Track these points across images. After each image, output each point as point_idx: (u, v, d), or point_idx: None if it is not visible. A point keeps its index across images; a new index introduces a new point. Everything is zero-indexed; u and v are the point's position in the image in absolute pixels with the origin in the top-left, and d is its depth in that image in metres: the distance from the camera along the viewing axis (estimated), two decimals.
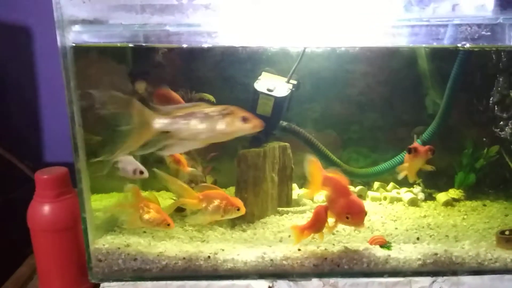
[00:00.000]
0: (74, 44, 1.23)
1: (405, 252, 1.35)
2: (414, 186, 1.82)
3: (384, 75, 1.73)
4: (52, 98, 1.90)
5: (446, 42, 1.26)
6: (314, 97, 1.74)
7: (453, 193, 1.78)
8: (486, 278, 1.33)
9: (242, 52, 1.59)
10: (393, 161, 1.76)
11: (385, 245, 1.38)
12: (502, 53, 1.60)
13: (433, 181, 1.79)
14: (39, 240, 1.34)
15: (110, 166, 1.43)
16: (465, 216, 1.65)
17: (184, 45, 1.31)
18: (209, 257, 1.33)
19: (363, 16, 1.26)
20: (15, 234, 1.44)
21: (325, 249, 1.35)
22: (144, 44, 1.27)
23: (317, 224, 1.33)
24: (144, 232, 1.47)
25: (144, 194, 1.43)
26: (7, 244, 1.56)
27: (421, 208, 1.73)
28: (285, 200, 1.70)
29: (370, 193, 1.82)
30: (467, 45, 1.24)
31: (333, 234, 1.49)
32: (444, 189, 1.80)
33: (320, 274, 1.33)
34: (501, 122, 1.68)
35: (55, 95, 1.84)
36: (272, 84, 1.58)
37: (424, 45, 1.53)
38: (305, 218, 1.58)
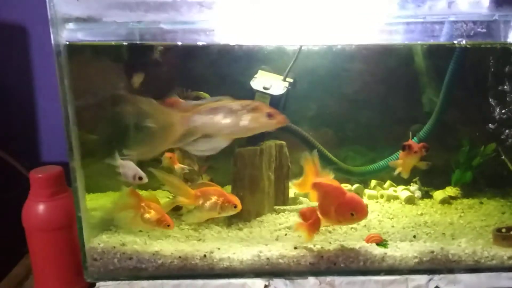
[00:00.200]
0: (68, 42, 1.22)
1: (402, 250, 1.35)
2: (411, 184, 1.82)
3: (380, 73, 1.72)
4: (48, 96, 1.90)
5: (442, 39, 1.26)
6: (311, 95, 1.74)
7: (450, 191, 1.79)
8: (482, 275, 1.33)
9: (238, 50, 1.59)
10: (390, 159, 1.76)
11: (381, 243, 1.38)
12: (498, 50, 1.60)
13: (430, 179, 1.79)
14: (34, 239, 1.34)
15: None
16: (462, 214, 1.65)
17: (179, 43, 1.31)
18: (205, 256, 1.33)
19: (359, 14, 1.26)
20: (11, 234, 1.44)
21: (322, 247, 1.35)
22: (138, 42, 1.27)
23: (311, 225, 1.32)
24: (140, 231, 1.46)
25: (144, 194, 1.42)
26: (2, 244, 1.55)
27: (418, 206, 1.72)
28: (282, 199, 1.69)
29: (367, 191, 1.81)
30: (463, 42, 1.24)
31: (329, 232, 1.49)
32: (441, 187, 1.80)
33: (317, 273, 1.32)
34: (498, 120, 1.67)
35: (51, 94, 1.84)
36: (268, 82, 1.58)
37: (419, 42, 1.52)
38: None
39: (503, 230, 1.41)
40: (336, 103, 1.77)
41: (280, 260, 1.33)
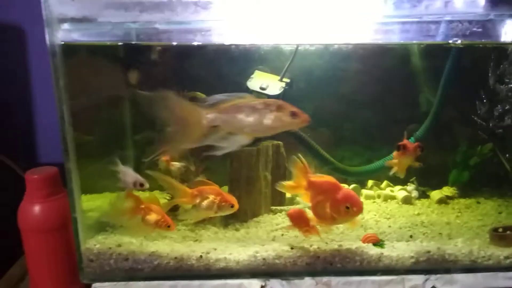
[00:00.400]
0: (63, 43, 1.22)
1: (398, 250, 1.35)
2: (408, 184, 1.82)
3: (377, 73, 1.72)
4: (45, 97, 1.89)
5: (437, 39, 1.25)
6: (308, 95, 1.74)
7: (447, 190, 1.78)
8: (479, 275, 1.33)
9: (234, 50, 1.59)
10: (387, 159, 1.75)
11: (378, 243, 1.38)
12: (494, 49, 1.60)
13: (427, 179, 1.79)
14: (29, 240, 1.33)
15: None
16: (459, 214, 1.65)
17: (174, 43, 1.30)
18: (201, 256, 1.32)
19: (356, 13, 1.26)
20: (6, 235, 1.43)
21: (318, 247, 1.35)
22: (133, 42, 1.26)
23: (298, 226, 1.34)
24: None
25: (144, 195, 1.42)
26: None
27: (414, 206, 1.73)
28: (279, 199, 1.69)
29: (364, 191, 1.81)
30: (459, 42, 1.24)
31: (326, 232, 1.48)
32: (438, 186, 1.80)
33: (313, 273, 1.32)
34: (495, 119, 1.67)
35: (48, 94, 1.83)
36: (265, 83, 1.57)
37: (415, 42, 1.52)
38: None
39: (500, 229, 1.41)
40: (333, 103, 1.77)
41: (277, 261, 1.32)
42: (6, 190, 1.66)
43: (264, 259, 1.32)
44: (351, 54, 1.67)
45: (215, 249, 1.35)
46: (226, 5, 1.23)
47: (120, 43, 1.28)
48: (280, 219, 1.60)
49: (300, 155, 1.32)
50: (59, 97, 1.24)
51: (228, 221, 1.55)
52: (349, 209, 1.24)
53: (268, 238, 1.46)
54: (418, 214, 1.65)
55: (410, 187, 1.81)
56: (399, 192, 1.78)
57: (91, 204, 1.41)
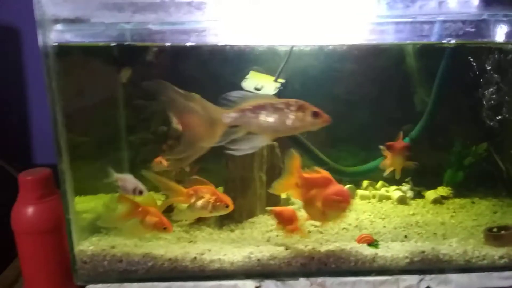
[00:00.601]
0: (56, 44, 1.21)
1: (393, 250, 1.35)
2: (403, 184, 1.82)
3: (372, 73, 1.72)
4: (39, 98, 1.88)
5: (431, 39, 1.25)
6: (303, 95, 1.73)
7: (442, 190, 1.78)
8: (473, 275, 1.33)
9: (229, 51, 1.58)
10: (382, 159, 1.75)
11: (372, 243, 1.38)
12: (488, 49, 1.60)
13: (422, 179, 1.79)
14: (23, 242, 1.33)
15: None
16: (454, 214, 1.65)
17: (168, 44, 1.30)
18: (195, 257, 1.32)
19: (350, 14, 1.26)
20: (0, 237, 1.42)
21: (313, 248, 1.34)
22: (126, 43, 1.26)
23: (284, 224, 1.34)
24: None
25: (142, 198, 1.41)
26: None
27: (409, 206, 1.73)
28: (274, 200, 1.68)
29: (359, 191, 1.81)
30: (452, 42, 1.24)
31: (321, 233, 1.48)
32: (433, 186, 1.80)
33: (308, 274, 1.32)
34: (489, 119, 1.67)
35: (42, 95, 1.82)
36: (260, 83, 1.57)
37: (409, 42, 1.52)
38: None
39: (494, 229, 1.41)
40: (328, 104, 1.76)
41: (271, 261, 1.32)
42: (0, 192, 1.65)
43: (258, 260, 1.32)
44: (345, 54, 1.66)
45: (210, 250, 1.35)
46: (220, 6, 1.22)
47: (113, 44, 1.27)
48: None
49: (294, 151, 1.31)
50: (52, 98, 1.23)
51: (223, 222, 1.54)
52: (338, 202, 1.23)
53: (263, 239, 1.46)
54: (413, 214, 1.65)
55: (405, 187, 1.81)
56: (394, 192, 1.78)
57: (84, 206, 1.41)
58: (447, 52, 1.62)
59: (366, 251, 1.34)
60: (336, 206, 1.24)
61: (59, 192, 1.30)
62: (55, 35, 1.21)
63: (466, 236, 1.44)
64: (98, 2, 1.20)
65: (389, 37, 1.31)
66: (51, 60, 1.21)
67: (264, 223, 1.57)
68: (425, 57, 1.69)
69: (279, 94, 1.57)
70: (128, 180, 1.41)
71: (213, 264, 1.32)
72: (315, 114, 1.22)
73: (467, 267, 1.33)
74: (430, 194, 1.77)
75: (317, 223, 1.50)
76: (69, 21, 1.21)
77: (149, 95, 1.53)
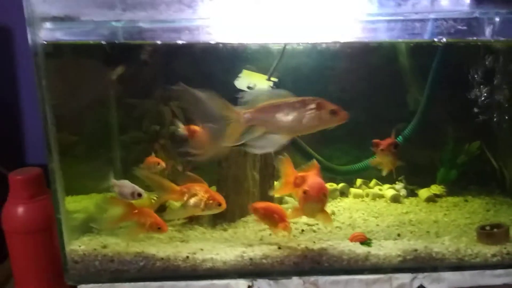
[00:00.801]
0: (45, 42, 1.20)
1: (386, 248, 1.34)
2: (397, 182, 1.82)
3: (364, 71, 1.72)
4: (30, 97, 1.87)
5: (423, 37, 1.25)
6: (296, 94, 1.73)
7: (435, 189, 1.79)
8: (466, 273, 1.32)
9: (222, 49, 1.57)
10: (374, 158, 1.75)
11: (365, 242, 1.37)
12: (481, 47, 1.60)
13: (415, 177, 1.79)
14: (13, 242, 1.32)
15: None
16: (447, 212, 1.65)
17: (159, 42, 1.29)
18: (187, 257, 1.31)
19: (343, 12, 1.25)
20: None
21: (305, 247, 1.34)
22: (116, 41, 1.25)
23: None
24: (121, 228, 1.43)
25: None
26: None
27: (403, 205, 1.73)
28: (267, 199, 1.68)
29: (352, 190, 1.81)
30: (443, 40, 1.24)
31: (314, 231, 1.48)
32: (426, 185, 1.80)
33: (300, 272, 1.31)
34: (483, 117, 1.68)
35: (33, 94, 1.81)
36: (253, 82, 1.57)
37: (400, 40, 1.52)
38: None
39: (487, 227, 1.41)
40: None
41: (264, 260, 1.32)
42: None
43: (251, 259, 1.31)
44: (338, 52, 1.66)
45: (202, 250, 1.34)
46: (211, 4, 1.21)
47: (103, 42, 1.26)
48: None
49: (285, 153, 1.31)
50: (42, 97, 1.22)
51: (216, 221, 1.54)
52: (306, 194, 1.20)
53: (255, 238, 1.46)
54: (406, 212, 1.65)
55: (399, 185, 1.81)
56: (388, 190, 1.78)
57: (76, 205, 1.40)
58: (439, 50, 1.61)
59: (359, 249, 1.34)
60: (311, 199, 1.21)
61: (50, 192, 1.29)
62: (44, 34, 1.21)
63: (459, 234, 1.44)
64: (87, 0, 1.19)
65: (382, 35, 1.30)
66: (41, 58, 1.20)
67: (257, 222, 1.56)
68: (417, 55, 1.69)
69: None
70: (125, 185, 1.40)
71: (205, 264, 1.31)
72: (333, 112, 1.20)
73: (459, 265, 1.33)
74: (424, 192, 1.77)
75: (311, 221, 1.51)
76: (59, 19, 1.20)
77: (141, 94, 1.54)
